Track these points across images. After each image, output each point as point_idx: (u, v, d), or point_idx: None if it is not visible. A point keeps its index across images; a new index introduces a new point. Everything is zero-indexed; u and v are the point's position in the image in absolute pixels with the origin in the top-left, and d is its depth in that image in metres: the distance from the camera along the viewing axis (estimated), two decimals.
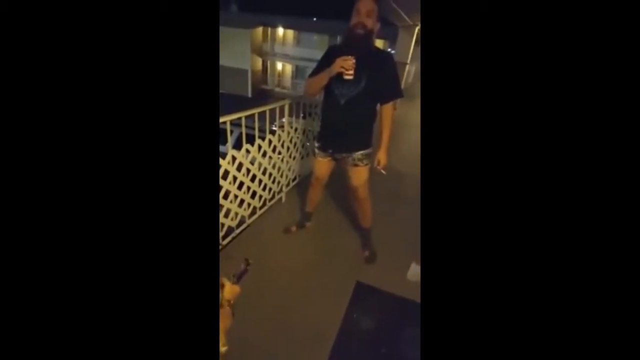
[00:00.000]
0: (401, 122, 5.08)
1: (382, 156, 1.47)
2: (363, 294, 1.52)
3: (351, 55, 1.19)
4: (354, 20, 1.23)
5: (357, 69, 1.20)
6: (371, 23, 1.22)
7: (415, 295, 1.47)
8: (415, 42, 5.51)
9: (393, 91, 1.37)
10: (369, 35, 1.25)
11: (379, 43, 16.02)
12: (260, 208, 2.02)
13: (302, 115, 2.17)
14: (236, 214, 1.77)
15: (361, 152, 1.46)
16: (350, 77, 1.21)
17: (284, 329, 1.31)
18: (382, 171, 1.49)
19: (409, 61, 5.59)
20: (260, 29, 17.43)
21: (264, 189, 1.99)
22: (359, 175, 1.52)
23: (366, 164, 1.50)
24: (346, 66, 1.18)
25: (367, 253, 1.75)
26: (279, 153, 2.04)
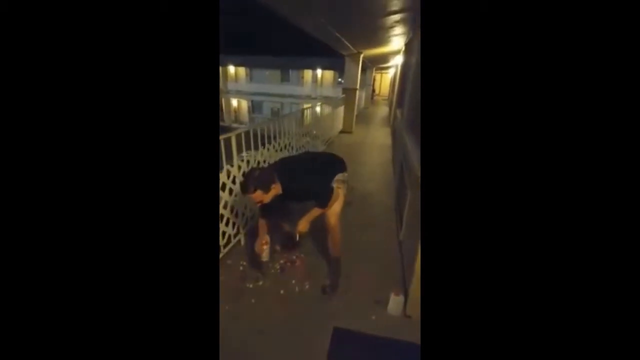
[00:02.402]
0: (359, 146, 5.18)
1: (301, 223, 1.54)
2: (342, 340, 1.31)
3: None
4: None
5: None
6: (266, 198, 1.40)
7: (397, 331, 1.34)
8: (362, 69, 5.82)
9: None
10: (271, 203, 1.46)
11: (329, 74, 16.95)
12: (225, 246, 1.82)
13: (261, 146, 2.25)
14: None
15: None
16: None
17: None
18: (297, 236, 1.58)
19: (358, 87, 5.83)
20: None
21: (227, 225, 1.83)
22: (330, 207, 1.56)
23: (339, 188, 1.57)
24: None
25: (326, 282, 1.66)
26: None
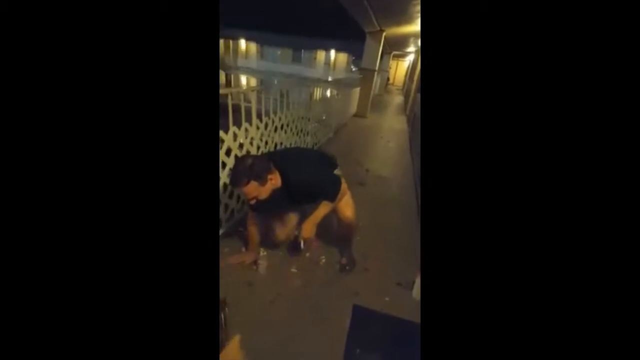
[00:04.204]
0: (374, 130, 5.01)
1: (306, 227, 1.33)
2: (362, 320, 1.20)
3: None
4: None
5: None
6: (263, 192, 1.16)
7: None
8: (382, 49, 5.54)
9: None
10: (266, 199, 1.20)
11: (342, 57, 16.49)
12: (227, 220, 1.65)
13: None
14: None
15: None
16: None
17: None
18: (301, 243, 1.37)
19: (377, 68, 5.57)
20: (221, 42, 17.04)
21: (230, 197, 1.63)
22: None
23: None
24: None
25: (343, 260, 1.50)
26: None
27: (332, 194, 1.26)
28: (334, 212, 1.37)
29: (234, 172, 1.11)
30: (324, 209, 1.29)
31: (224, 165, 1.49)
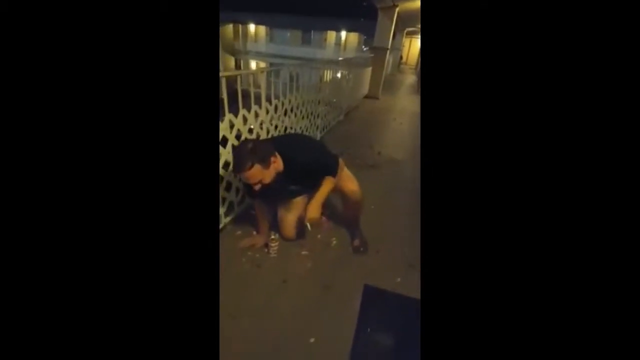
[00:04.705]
0: (386, 112, 4.88)
1: (311, 209, 1.30)
2: (374, 299, 1.21)
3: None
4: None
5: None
6: (267, 176, 1.14)
7: None
8: (395, 26, 5.29)
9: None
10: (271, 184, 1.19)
11: (353, 37, 15.93)
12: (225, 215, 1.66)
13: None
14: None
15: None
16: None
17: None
18: (308, 225, 1.32)
19: (389, 46, 5.35)
20: (230, 26, 16.77)
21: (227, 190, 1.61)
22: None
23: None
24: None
25: (356, 242, 1.51)
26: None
27: (332, 168, 1.28)
28: (338, 190, 1.37)
29: (236, 158, 1.10)
30: (326, 186, 1.30)
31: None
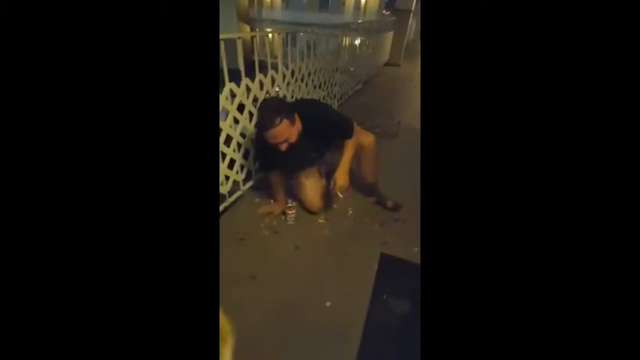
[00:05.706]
0: (406, 80, 4.63)
1: (340, 176, 1.29)
2: (390, 267, 1.21)
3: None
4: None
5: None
6: (293, 136, 1.13)
7: None
8: None
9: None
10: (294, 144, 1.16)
11: (374, 0, 14.86)
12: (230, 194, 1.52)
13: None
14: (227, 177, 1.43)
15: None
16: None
17: (295, 326, 1.00)
18: (339, 194, 1.31)
19: (413, 8, 4.94)
20: None
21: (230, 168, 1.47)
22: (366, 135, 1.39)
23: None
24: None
25: (389, 203, 1.53)
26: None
27: (349, 130, 1.28)
28: (356, 147, 1.36)
29: (263, 116, 1.06)
30: (349, 151, 1.31)
31: (252, 115, 1.47)
